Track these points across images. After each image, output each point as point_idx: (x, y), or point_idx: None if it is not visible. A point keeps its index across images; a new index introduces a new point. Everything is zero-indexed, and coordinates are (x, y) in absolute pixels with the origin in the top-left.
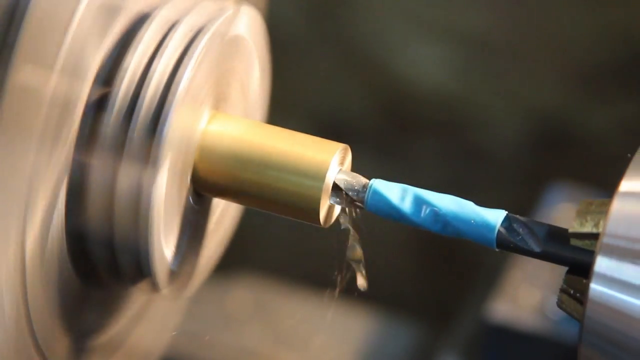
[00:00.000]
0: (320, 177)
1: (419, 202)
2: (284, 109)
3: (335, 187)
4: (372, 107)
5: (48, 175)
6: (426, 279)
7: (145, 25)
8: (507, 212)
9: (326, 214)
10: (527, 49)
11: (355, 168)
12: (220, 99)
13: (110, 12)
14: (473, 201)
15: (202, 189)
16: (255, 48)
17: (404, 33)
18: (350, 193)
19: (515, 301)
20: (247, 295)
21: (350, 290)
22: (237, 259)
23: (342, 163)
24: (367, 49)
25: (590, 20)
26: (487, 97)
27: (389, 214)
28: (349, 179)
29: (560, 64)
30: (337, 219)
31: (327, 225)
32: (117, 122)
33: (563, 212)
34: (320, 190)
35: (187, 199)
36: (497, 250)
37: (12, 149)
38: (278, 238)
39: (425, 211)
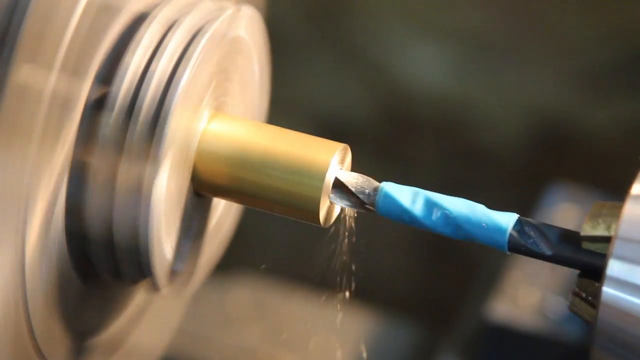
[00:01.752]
0: (320, 177)
1: (429, 205)
2: (284, 109)
3: (345, 189)
4: (372, 107)
5: (48, 175)
6: (426, 279)
7: (145, 25)
8: (518, 215)
9: (326, 213)
10: (527, 49)
11: (355, 168)
12: (220, 99)
13: (109, 12)
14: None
15: (202, 189)
16: (254, 48)
17: (403, 33)
18: (360, 196)
19: (515, 301)
20: (247, 295)
21: (349, 290)
22: (237, 259)
23: (342, 163)
24: (367, 49)
25: (590, 20)
26: (487, 97)
27: (400, 217)
28: (360, 181)
29: (560, 64)
30: (337, 219)
31: (327, 225)
32: (117, 122)
33: (563, 212)
34: (320, 190)
35: (187, 198)
36: (508, 253)
37: (12, 148)
38: (278, 238)
39: (436, 214)
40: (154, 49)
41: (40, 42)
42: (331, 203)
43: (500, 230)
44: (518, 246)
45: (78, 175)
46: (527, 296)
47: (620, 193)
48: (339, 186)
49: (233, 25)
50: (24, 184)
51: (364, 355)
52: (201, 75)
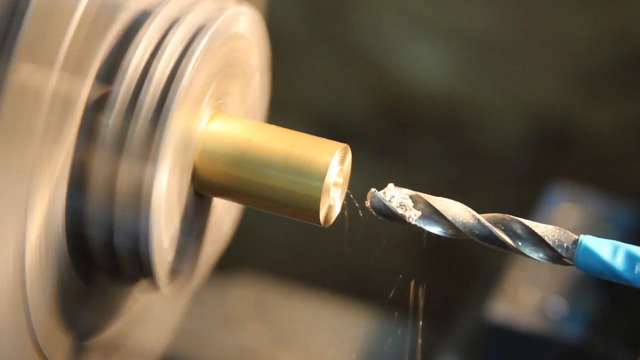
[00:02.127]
0: (320, 177)
1: (631, 259)
2: (284, 109)
3: (542, 242)
4: (372, 106)
5: (48, 174)
6: (426, 279)
7: (145, 24)
8: None
9: (326, 213)
10: (527, 49)
11: (355, 168)
12: (221, 99)
13: (110, 11)
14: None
15: (202, 189)
16: (255, 48)
17: (404, 33)
18: (558, 250)
19: (515, 301)
20: (247, 295)
21: (349, 290)
22: (237, 259)
23: (342, 163)
24: (367, 49)
25: (590, 20)
26: (487, 97)
27: (600, 272)
28: (557, 233)
29: (560, 64)
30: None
31: (327, 225)
32: (117, 121)
33: (563, 212)
34: (320, 190)
35: (187, 198)
36: None
37: (12, 148)
38: (278, 238)
39: (638, 268)
40: (155, 49)
41: (41, 42)
42: (517, 253)
43: None
44: None
45: (78, 175)
46: (527, 296)
47: (620, 193)
48: (534, 238)
49: (233, 25)
50: (24, 184)
51: (364, 355)
52: (201, 75)
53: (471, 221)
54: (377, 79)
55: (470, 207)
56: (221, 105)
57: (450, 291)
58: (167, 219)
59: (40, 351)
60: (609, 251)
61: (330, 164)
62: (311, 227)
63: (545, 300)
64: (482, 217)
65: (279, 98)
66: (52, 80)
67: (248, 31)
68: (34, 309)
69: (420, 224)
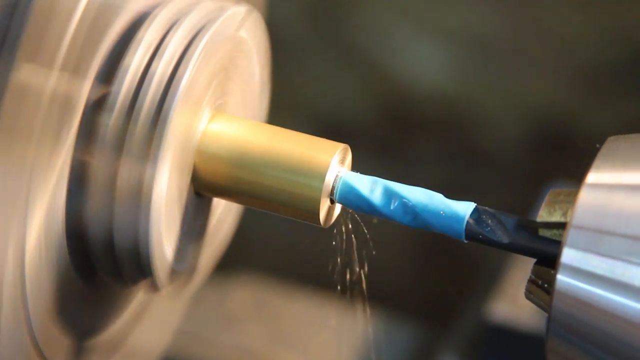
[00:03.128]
0: (320, 177)
1: (388, 194)
2: (284, 109)
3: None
4: (372, 107)
5: (48, 175)
6: (426, 279)
7: (145, 25)
8: (476, 204)
9: (326, 214)
10: (528, 49)
11: (355, 168)
12: (221, 99)
13: (110, 12)
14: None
15: (202, 189)
16: (255, 48)
17: (404, 33)
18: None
19: (515, 301)
20: (247, 295)
21: (349, 290)
22: (237, 259)
23: (342, 163)
24: (368, 49)
25: (591, 20)
26: (487, 97)
27: (359, 206)
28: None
29: (560, 64)
30: (337, 219)
31: (328, 225)
32: (117, 122)
33: None
34: (320, 190)
35: (187, 198)
36: (466, 241)
37: (12, 148)
38: (278, 238)
39: (394, 203)
40: (155, 49)
41: (41, 42)
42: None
43: (457, 218)
44: (475, 234)
45: (78, 176)
46: None
47: None
48: None
49: (233, 25)
50: (24, 184)
51: (364, 355)
52: (201, 75)
53: None
54: (377, 79)
55: None
56: (221, 106)
57: (451, 291)
58: (167, 220)
59: (40, 351)
60: (368, 186)
61: (330, 164)
62: (311, 227)
63: None
64: None
65: (279, 98)
66: (52, 81)
67: (248, 31)
68: (34, 309)
69: None
